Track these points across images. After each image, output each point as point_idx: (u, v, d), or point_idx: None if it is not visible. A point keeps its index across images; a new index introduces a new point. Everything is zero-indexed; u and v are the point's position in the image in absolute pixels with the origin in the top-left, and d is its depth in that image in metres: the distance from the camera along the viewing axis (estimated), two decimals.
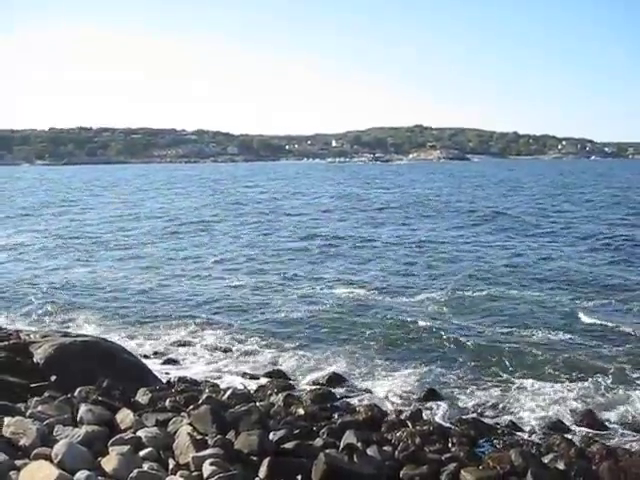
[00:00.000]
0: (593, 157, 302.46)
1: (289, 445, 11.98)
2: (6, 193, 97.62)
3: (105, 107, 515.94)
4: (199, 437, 11.65)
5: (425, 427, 14.37)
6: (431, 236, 45.92)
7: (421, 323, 23.92)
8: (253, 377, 18.83)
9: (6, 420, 11.44)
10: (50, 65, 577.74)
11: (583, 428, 15.24)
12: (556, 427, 15.36)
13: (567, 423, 15.57)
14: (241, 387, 16.97)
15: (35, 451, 10.54)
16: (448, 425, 15.19)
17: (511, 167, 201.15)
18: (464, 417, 15.85)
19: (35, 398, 13.41)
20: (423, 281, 31.14)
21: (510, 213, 59.95)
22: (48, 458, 10.24)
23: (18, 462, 10.00)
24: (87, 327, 23.87)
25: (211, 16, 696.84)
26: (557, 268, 33.46)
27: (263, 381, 18.39)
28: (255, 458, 11.24)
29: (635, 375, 18.70)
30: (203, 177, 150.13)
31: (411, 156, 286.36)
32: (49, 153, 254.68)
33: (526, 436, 14.80)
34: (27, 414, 12.32)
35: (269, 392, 16.99)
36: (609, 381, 18.21)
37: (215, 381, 18.19)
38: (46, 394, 13.87)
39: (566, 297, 27.12)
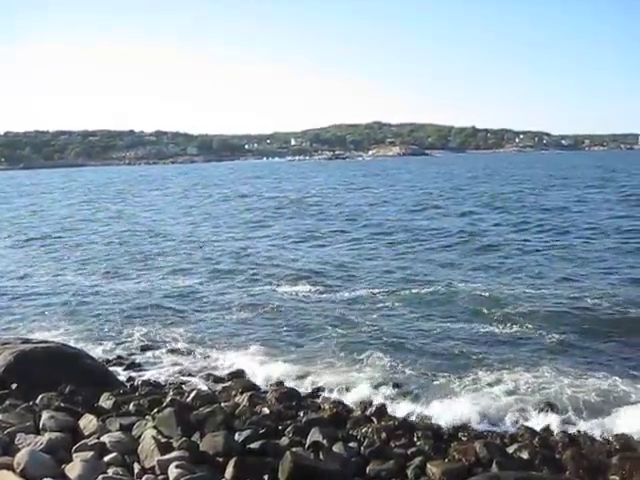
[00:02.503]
0: (550, 150, 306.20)
1: (255, 445, 12.01)
2: None
3: (62, 109, 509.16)
4: (164, 440, 11.62)
5: (390, 422, 14.47)
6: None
7: (380, 319, 24.02)
8: (217, 378, 18.73)
9: None
10: (3, 67, 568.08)
11: (544, 417, 15.39)
12: (519, 416, 15.51)
13: (529, 413, 15.70)
14: (205, 389, 16.91)
15: None
16: (413, 419, 15.24)
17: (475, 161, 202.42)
18: (429, 411, 15.91)
19: None
20: (380, 275, 31.23)
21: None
22: (10, 467, 10.15)
23: None
24: (48, 333, 23.54)
25: (162, 15, 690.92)
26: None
27: (227, 382, 18.33)
28: (221, 459, 11.25)
29: (591, 361, 19.07)
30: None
31: (371, 152, 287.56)
32: (5, 157, 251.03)
33: (490, 427, 14.92)
34: None
35: (233, 392, 16.93)
36: (565, 369, 18.47)
37: (179, 383, 18.09)
38: (7, 402, 13.76)
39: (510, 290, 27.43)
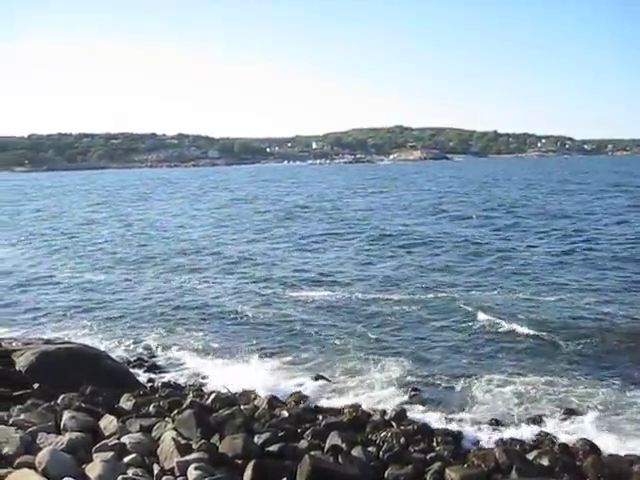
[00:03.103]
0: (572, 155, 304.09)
1: (274, 448, 12.03)
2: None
3: (85, 112, 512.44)
4: (183, 442, 11.67)
5: (409, 427, 14.44)
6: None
7: (401, 323, 24.05)
8: (236, 381, 18.76)
9: None
10: (28, 69, 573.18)
11: (564, 424, 15.33)
12: (539, 423, 15.42)
13: (550, 419, 15.63)
14: (225, 391, 16.94)
15: (19, 459, 10.52)
16: (432, 424, 15.20)
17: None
18: (448, 416, 15.89)
19: (18, 406, 13.39)
20: (403, 280, 31.21)
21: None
22: (32, 466, 10.23)
23: (2, 471, 9.98)
24: (70, 333, 23.74)
25: (189, 21, 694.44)
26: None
27: (247, 384, 18.35)
28: (240, 461, 11.28)
29: (609, 369, 19.00)
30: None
31: (392, 156, 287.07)
32: (29, 160, 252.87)
33: (510, 433, 14.84)
34: (10, 422, 12.30)
35: (253, 395, 16.98)
36: (583, 377, 18.39)
37: (199, 385, 18.16)
38: (29, 402, 13.84)
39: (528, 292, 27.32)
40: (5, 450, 10.85)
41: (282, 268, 35.48)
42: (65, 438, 11.45)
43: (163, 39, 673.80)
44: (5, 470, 10.07)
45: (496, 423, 15.52)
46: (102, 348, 20.71)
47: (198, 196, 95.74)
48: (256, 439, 12.28)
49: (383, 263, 36.13)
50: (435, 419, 15.69)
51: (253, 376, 19.11)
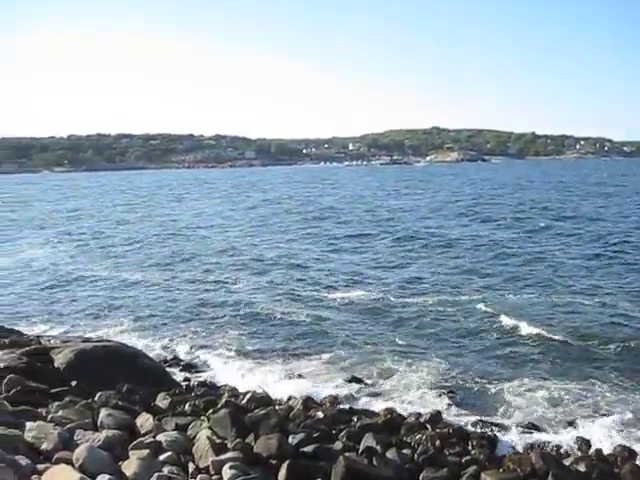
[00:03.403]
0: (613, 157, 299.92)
1: (308, 448, 12.01)
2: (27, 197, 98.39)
3: (124, 113, 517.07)
4: (218, 441, 11.71)
5: (445, 429, 14.36)
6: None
7: (433, 325, 24.05)
8: (272, 380, 18.84)
9: (28, 425, 11.54)
10: (70, 72, 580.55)
11: (600, 429, 15.13)
12: (575, 428, 15.27)
13: (585, 424, 15.46)
14: (260, 391, 16.98)
15: (57, 455, 10.63)
16: (468, 427, 15.12)
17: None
18: (484, 419, 15.80)
19: (56, 403, 13.52)
20: (435, 282, 31.11)
21: None
22: (69, 462, 10.33)
23: (40, 466, 10.10)
24: (108, 332, 24.02)
25: (228, 23, 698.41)
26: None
27: (282, 384, 18.41)
28: (274, 461, 11.28)
29: None
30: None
31: (429, 158, 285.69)
32: (68, 160, 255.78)
33: (546, 438, 14.71)
34: (48, 419, 12.43)
35: (288, 395, 17.01)
36: (619, 382, 18.21)
37: (234, 385, 18.23)
38: (67, 399, 13.97)
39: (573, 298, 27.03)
40: (44, 446, 10.98)
41: (315, 269, 35.62)
42: (102, 435, 11.54)
43: (198, 40, 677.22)
44: (43, 465, 10.19)
45: (532, 427, 15.41)
46: (139, 347, 20.89)
47: (233, 196, 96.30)
48: (291, 439, 12.28)
49: (414, 265, 36.09)
50: (470, 422, 15.61)
51: (288, 377, 19.20)
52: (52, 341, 19.60)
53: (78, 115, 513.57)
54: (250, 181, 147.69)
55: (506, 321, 23.94)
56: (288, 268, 36.16)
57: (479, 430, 14.95)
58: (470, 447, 13.65)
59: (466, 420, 15.83)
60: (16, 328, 23.05)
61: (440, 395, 17.53)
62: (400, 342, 22.20)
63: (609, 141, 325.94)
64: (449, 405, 16.88)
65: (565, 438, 14.73)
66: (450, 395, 17.48)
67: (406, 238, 45.89)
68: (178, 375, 19.14)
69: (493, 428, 15.16)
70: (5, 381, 14.17)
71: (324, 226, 55.15)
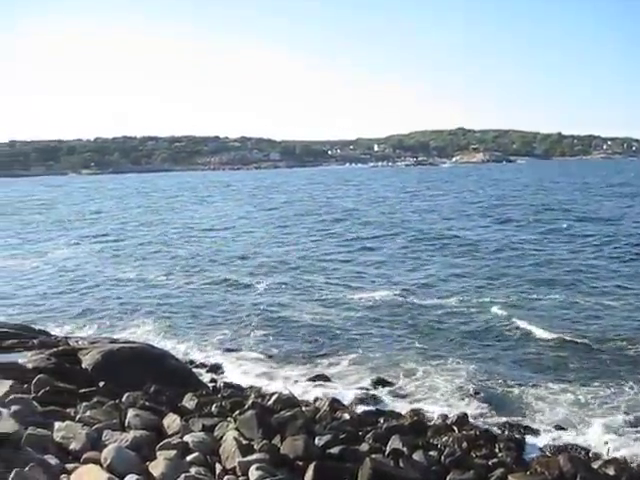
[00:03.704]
0: None
1: (335, 450, 12.00)
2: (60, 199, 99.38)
3: (149, 116, 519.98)
4: (245, 442, 11.74)
5: (471, 432, 14.31)
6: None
7: (459, 327, 23.96)
8: (298, 382, 18.88)
9: (56, 425, 11.65)
10: (95, 73, 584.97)
11: (630, 433, 14.98)
12: (603, 430, 15.12)
13: (613, 427, 15.30)
14: (286, 392, 17.00)
15: (85, 455, 10.72)
16: (494, 429, 15.05)
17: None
18: (510, 421, 15.72)
19: (84, 403, 13.64)
20: (457, 283, 31.05)
21: None
22: (97, 462, 10.42)
23: (69, 466, 10.18)
24: (135, 333, 24.18)
25: (249, 24, 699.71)
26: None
27: (308, 386, 18.43)
28: (301, 463, 11.29)
29: None
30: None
31: (454, 159, 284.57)
32: (95, 162, 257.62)
33: (573, 440, 14.60)
34: (76, 419, 12.54)
35: (314, 397, 17.03)
36: None
37: (260, 386, 18.28)
38: (95, 399, 14.09)
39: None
40: (72, 446, 11.08)
41: (338, 270, 35.69)
42: (130, 435, 11.62)
43: (220, 42, 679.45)
44: (72, 465, 10.28)
45: (559, 429, 15.30)
46: (165, 348, 21.01)
47: (256, 198, 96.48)
48: (317, 441, 12.27)
49: (436, 266, 35.98)
50: (497, 424, 15.56)
51: (313, 378, 19.20)
52: (80, 342, 19.77)
53: (104, 118, 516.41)
54: (274, 182, 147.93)
55: (530, 323, 23.75)
56: (311, 269, 36.29)
57: (506, 432, 14.89)
58: (497, 449, 13.59)
59: (493, 422, 15.77)
60: (44, 329, 23.31)
61: (466, 397, 17.48)
62: (424, 344, 22.14)
63: (637, 141, 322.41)
64: (475, 407, 16.81)
65: (593, 441, 14.61)
66: (476, 397, 17.41)
67: (427, 239, 45.87)
68: (204, 376, 19.23)
69: (520, 430, 15.10)
70: (34, 381, 14.32)
71: (346, 227, 55.25)
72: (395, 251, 41.73)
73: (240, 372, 20.14)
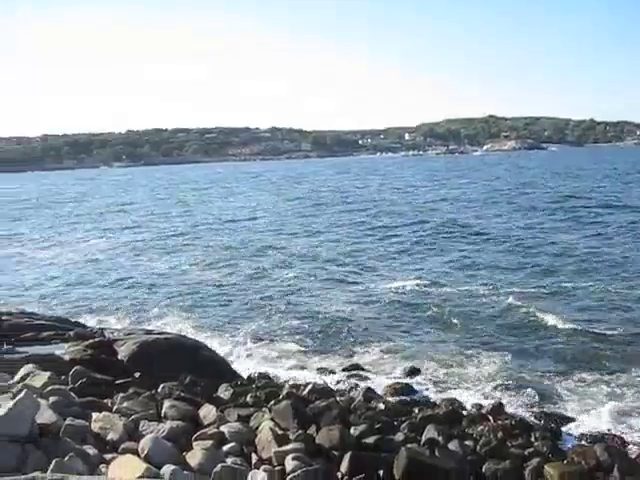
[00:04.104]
0: None
1: (370, 440, 12.02)
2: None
3: (180, 108, 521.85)
4: (281, 432, 11.77)
5: (507, 421, 14.25)
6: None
7: (490, 317, 23.86)
8: (332, 372, 18.90)
9: (94, 415, 11.74)
10: (126, 67, 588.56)
11: None
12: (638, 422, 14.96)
13: None
14: (321, 382, 17.03)
15: (122, 445, 10.80)
16: (530, 419, 14.96)
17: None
18: (546, 410, 15.62)
19: (121, 394, 13.75)
20: (486, 273, 30.88)
21: None
22: (135, 452, 10.48)
23: (107, 456, 10.25)
24: (168, 324, 24.36)
25: (283, 15, 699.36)
26: None
27: (342, 376, 18.45)
28: (336, 453, 11.31)
29: None
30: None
31: (485, 147, 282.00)
32: (126, 155, 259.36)
33: (610, 429, 14.46)
34: (114, 410, 12.65)
35: (349, 387, 17.04)
36: None
37: (294, 376, 18.33)
38: (131, 390, 14.20)
39: None
40: (110, 436, 11.17)
41: (366, 259, 35.96)
42: (166, 426, 11.69)
43: (251, 34, 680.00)
44: (110, 455, 10.36)
45: (595, 419, 15.16)
46: (199, 339, 21.12)
47: (284, 188, 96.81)
48: (352, 431, 12.30)
49: (463, 254, 35.92)
50: (532, 414, 15.48)
51: (347, 368, 19.22)
52: (115, 333, 19.96)
53: (135, 111, 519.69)
54: (303, 173, 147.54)
55: (558, 314, 23.59)
56: (340, 259, 36.48)
57: (541, 422, 14.81)
58: (533, 439, 13.52)
59: (527, 412, 15.70)
60: (80, 320, 23.58)
61: (499, 387, 17.43)
62: (455, 333, 22.15)
63: None
64: (509, 397, 16.77)
65: (629, 430, 14.47)
66: (509, 387, 17.37)
67: (453, 228, 45.77)
68: (238, 366, 19.30)
69: (555, 420, 14.99)
70: (72, 373, 14.48)
71: (373, 216, 55.52)
72: (422, 239, 41.78)
73: (274, 362, 20.24)
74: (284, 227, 51.39)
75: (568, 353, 19.94)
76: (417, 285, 28.72)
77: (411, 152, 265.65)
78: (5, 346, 17.20)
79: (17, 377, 13.45)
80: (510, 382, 17.67)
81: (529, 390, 17.14)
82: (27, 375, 13.40)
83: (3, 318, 20.03)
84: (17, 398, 9.69)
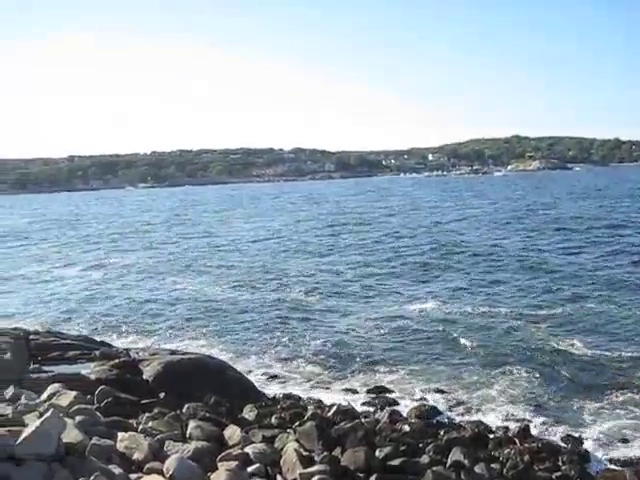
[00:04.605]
0: None
1: (395, 462, 11.95)
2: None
3: (204, 129, 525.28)
4: (306, 453, 11.76)
5: (534, 444, 14.08)
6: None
7: (515, 338, 23.70)
8: (356, 393, 18.85)
9: (120, 435, 11.79)
10: (150, 88, 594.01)
11: None
12: None
13: None
14: (345, 403, 16.97)
15: (148, 465, 10.83)
16: (557, 442, 14.80)
17: None
18: (573, 433, 15.45)
19: (146, 414, 13.82)
20: (514, 294, 30.72)
21: None
22: (160, 472, 10.52)
23: (132, 476, 10.31)
24: (193, 344, 24.42)
25: (306, 42, 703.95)
26: None
27: (366, 397, 18.39)
28: (362, 475, 11.27)
29: None
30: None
31: (510, 167, 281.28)
32: (151, 176, 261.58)
33: (639, 454, 14.27)
34: (139, 429, 12.70)
35: (373, 408, 16.98)
36: None
37: (319, 397, 18.27)
38: (156, 410, 14.27)
39: None
40: (135, 456, 11.21)
41: (385, 281, 35.75)
42: (191, 446, 11.72)
43: (275, 55, 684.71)
44: (136, 475, 10.41)
45: (623, 443, 14.97)
46: (223, 359, 21.15)
47: (302, 209, 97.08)
48: (378, 453, 12.24)
49: (478, 277, 35.60)
50: (559, 437, 15.33)
51: (372, 389, 19.16)
52: (140, 353, 20.05)
53: (161, 131, 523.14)
54: (323, 193, 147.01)
55: (584, 337, 23.41)
56: (360, 279, 36.62)
57: (569, 445, 14.63)
58: (560, 463, 13.36)
59: (554, 435, 15.55)
60: (105, 340, 23.72)
61: (525, 409, 17.31)
62: (478, 355, 22.00)
63: None
64: (534, 419, 16.64)
65: None
66: (536, 409, 17.24)
67: (467, 251, 45.08)
68: (263, 387, 19.29)
69: (583, 443, 14.82)
70: (97, 392, 14.56)
71: (389, 237, 55.37)
72: (441, 260, 41.57)
73: (298, 383, 20.21)
74: (304, 247, 51.69)
75: (592, 376, 19.75)
76: (437, 306, 28.65)
77: (435, 173, 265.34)
78: (32, 365, 17.37)
79: (44, 396, 13.56)
80: (534, 404, 17.54)
81: (554, 413, 17.04)
82: (54, 394, 13.50)
83: (31, 337, 20.21)
84: (44, 417, 9.79)
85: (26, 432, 9.49)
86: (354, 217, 76.54)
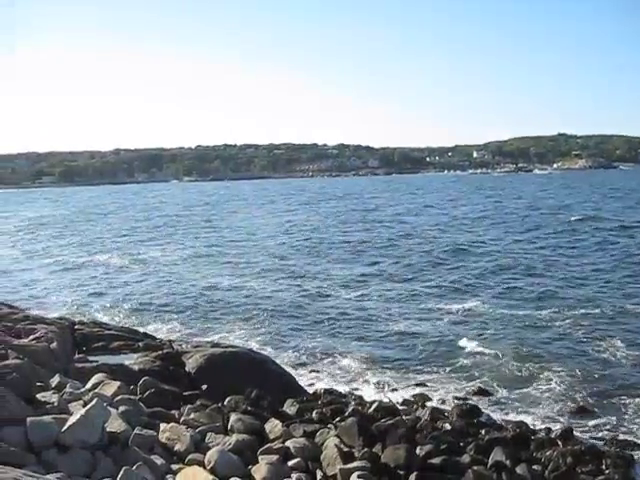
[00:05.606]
0: None
1: (436, 460, 11.89)
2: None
3: (249, 124, 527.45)
4: (346, 449, 11.76)
5: (577, 446, 13.86)
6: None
7: (559, 336, 23.48)
8: (397, 390, 18.80)
9: (162, 426, 11.91)
10: (196, 84, 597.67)
11: None
12: None
13: None
14: (386, 400, 16.93)
15: (189, 456, 10.93)
16: (601, 445, 14.57)
17: None
18: (618, 436, 15.20)
19: (188, 406, 13.93)
20: (554, 295, 30.30)
21: None
22: (201, 464, 10.61)
23: (174, 466, 10.41)
24: (236, 338, 24.56)
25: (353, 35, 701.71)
26: None
27: (408, 394, 18.32)
28: (402, 472, 11.23)
29: None
30: None
31: (555, 165, 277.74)
32: (196, 170, 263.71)
33: None
34: (181, 421, 12.81)
35: (415, 406, 16.90)
36: None
37: (360, 393, 18.26)
38: (198, 402, 14.38)
39: None
40: (177, 447, 11.31)
41: (427, 280, 35.44)
42: (232, 439, 11.79)
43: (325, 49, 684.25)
44: (177, 466, 10.51)
45: None
46: (267, 353, 21.25)
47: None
48: (418, 450, 12.19)
49: (525, 280, 34.75)
50: (604, 440, 15.07)
51: (413, 386, 19.10)
52: (183, 346, 20.26)
53: (205, 126, 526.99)
54: (365, 189, 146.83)
55: (628, 338, 23.00)
56: (400, 275, 36.65)
57: (613, 449, 14.37)
58: (604, 466, 13.13)
59: (598, 437, 15.32)
60: (148, 331, 23.98)
61: (570, 410, 17.09)
62: (520, 355, 21.66)
63: None
64: (579, 421, 16.40)
65: None
66: (579, 410, 17.00)
67: (517, 253, 44.32)
68: (305, 382, 19.32)
69: (628, 447, 14.55)
70: (140, 383, 14.70)
71: (422, 242, 53.58)
72: (474, 263, 40.76)
73: (339, 378, 20.21)
74: (344, 241, 51.99)
75: (637, 377, 19.38)
76: (477, 306, 28.34)
77: (479, 170, 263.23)
78: (77, 355, 17.65)
79: (88, 385, 13.72)
80: (577, 406, 17.28)
81: (597, 414, 16.80)
82: (98, 384, 13.66)
83: (76, 327, 20.54)
84: (89, 406, 9.92)
85: (71, 420, 9.62)
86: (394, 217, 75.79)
